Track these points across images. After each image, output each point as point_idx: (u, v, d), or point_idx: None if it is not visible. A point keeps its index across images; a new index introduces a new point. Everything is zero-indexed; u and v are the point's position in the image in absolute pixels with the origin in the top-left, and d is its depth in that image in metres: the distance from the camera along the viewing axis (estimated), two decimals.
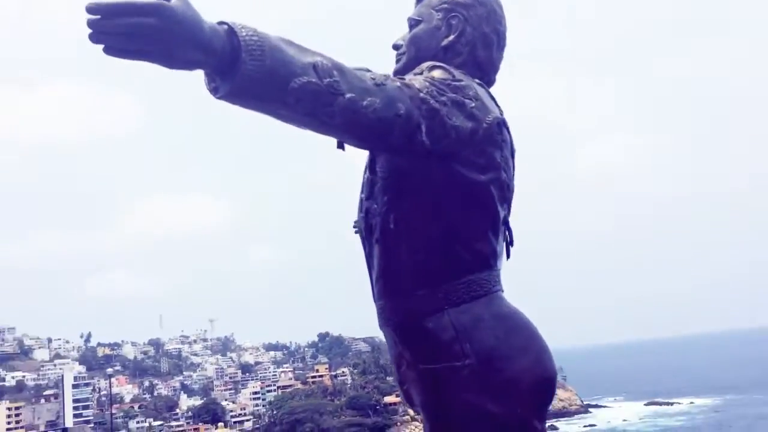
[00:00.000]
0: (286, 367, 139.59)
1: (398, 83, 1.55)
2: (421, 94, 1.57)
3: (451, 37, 1.94)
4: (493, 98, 1.89)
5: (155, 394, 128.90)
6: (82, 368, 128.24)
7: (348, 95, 1.38)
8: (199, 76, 1.39)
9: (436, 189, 1.73)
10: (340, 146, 1.66)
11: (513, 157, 1.93)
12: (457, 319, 1.75)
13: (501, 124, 1.80)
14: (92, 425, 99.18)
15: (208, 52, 1.26)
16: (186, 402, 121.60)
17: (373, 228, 1.84)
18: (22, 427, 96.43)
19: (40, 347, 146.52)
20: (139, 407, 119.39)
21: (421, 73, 1.69)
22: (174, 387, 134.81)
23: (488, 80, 2.01)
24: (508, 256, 1.98)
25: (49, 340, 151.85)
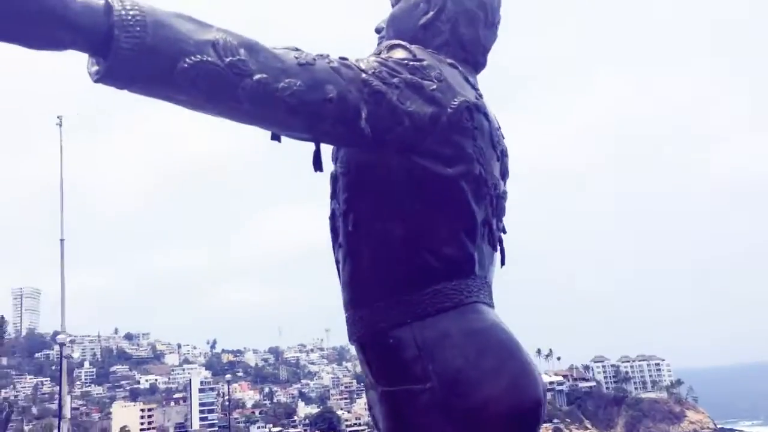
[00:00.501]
0: None
1: (335, 63, 1.35)
2: (364, 75, 1.38)
3: (430, 14, 1.73)
4: (468, 81, 1.66)
5: (275, 400, 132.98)
6: (208, 373, 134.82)
7: (257, 76, 1.21)
8: None
9: (395, 185, 1.52)
10: (275, 137, 1.36)
11: (497, 149, 1.68)
12: (420, 334, 1.51)
13: (472, 109, 1.56)
14: (216, 428, 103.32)
15: (76, 29, 1.08)
16: (303, 409, 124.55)
17: (337, 231, 1.67)
18: (153, 428, 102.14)
19: (170, 352, 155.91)
20: (260, 413, 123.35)
21: (379, 54, 1.48)
22: (292, 394, 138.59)
23: (474, 61, 1.79)
24: (502, 263, 1.77)
25: (179, 346, 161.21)
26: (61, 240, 30.30)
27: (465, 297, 1.57)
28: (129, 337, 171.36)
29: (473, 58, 1.78)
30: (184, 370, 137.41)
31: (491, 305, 1.66)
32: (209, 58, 1.16)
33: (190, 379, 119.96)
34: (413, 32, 1.75)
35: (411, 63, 1.50)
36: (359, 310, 1.61)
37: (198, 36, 1.17)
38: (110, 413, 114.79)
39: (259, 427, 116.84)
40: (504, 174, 1.76)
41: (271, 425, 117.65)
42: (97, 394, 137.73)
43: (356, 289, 1.63)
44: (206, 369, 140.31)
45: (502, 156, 1.74)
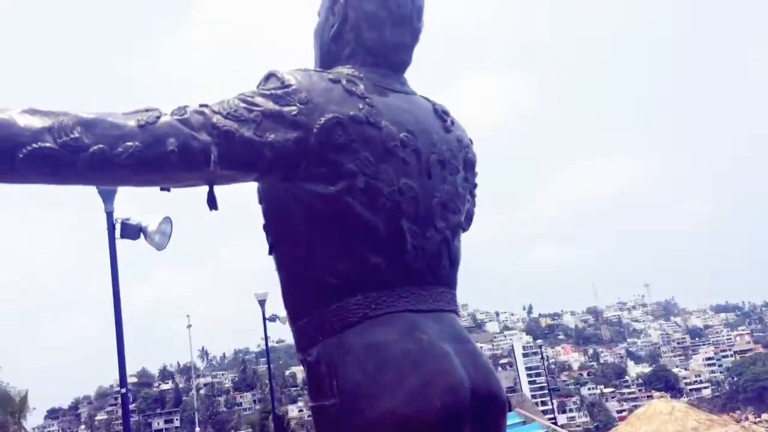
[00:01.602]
0: (742, 330, 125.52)
1: (186, 115, 1.43)
2: (215, 118, 1.44)
3: (336, 26, 1.76)
4: (354, 93, 1.61)
5: (601, 361, 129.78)
6: (528, 338, 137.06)
7: (93, 148, 1.32)
8: None
9: (290, 211, 1.60)
10: (163, 188, 1.51)
11: (411, 152, 1.64)
12: (328, 351, 1.55)
13: (345, 123, 1.54)
14: (546, 391, 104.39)
15: None
16: (634, 369, 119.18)
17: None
18: None
19: (490, 320, 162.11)
20: (588, 374, 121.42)
21: (258, 86, 1.59)
22: (619, 354, 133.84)
23: (388, 63, 1.76)
24: (451, 263, 1.72)
25: (497, 314, 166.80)
26: None
27: (371, 310, 1.55)
28: None
29: (385, 60, 1.75)
30: (505, 336, 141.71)
31: (423, 311, 1.60)
32: (44, 144, 1.28)
33: (512, 345, 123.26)
34: (327, 46, 1.79)
35: (275, 92, 1.52)
36: (292, 329, 1.67)
37: (36, 126, 1.29)
38: None
39: (589, 389, 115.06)
40: (447, 170, 1.72)
41: (602, 386, 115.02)
42: None
43: (286, 309, 1.70)
44: (526, 334, 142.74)
45: (442, 154, 1.71)
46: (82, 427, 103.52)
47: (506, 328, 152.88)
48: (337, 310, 1.55)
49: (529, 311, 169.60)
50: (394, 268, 1.59)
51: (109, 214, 8.92)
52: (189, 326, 52.51)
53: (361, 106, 1.59)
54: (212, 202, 1.54)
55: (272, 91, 1.53)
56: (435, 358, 1.51)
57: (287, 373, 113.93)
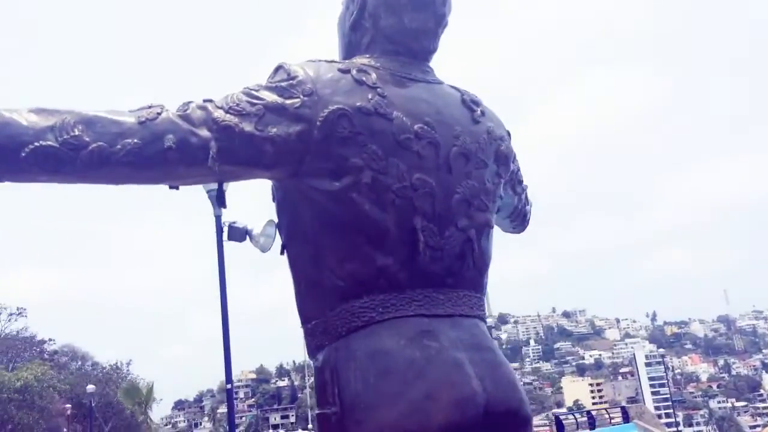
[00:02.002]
0: None
1: (188, 110, 1.42)
2: (216, 113, 1.41)
3: (354, 14, 1.70)
4: (364, 83, 1.54)
5: (733, 373, 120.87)
6: (652, 346, 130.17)
7: (93, 146, 1.33)
8: None
9: (297, 208, 1.53)
10: (172, 186, 1.51)
11: (427, 144, 1.54)
12: (333, 356, 1.47)
13: (350, 115, 1.47)
14: (670, 403, 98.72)
15: None
16: None
17: None
18: (605, 402, 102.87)
19: (609, 327, 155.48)
20: (717, 386, 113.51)
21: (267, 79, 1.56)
22: (753, 366, 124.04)
23: (408, 50, 1.67)
24: (474, 263, 1.58)
25: (617, 321, 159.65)
26: None
27: (378, 314, 1.46)
28: (566, 314, 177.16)
29: (405, 47, 1.66)
30: (626, 344, 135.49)
31: (439, 315, 1.50)
32: (46, 143, 1.30)
33: (634, 353, 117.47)
34: (348, 36, 1.73)
35: (280, 84, 1.48)
36: (303, 331, 1.61)
37: (40, 125, 1.31)
38: (561, 387, 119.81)
39: (719, 402, 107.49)
40: (472, 164, 1.60)
41: (733, 399, 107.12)
42: (546, 369, 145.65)
43: (298, 311, 1.63)
44: (649, 342, 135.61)
45: (465, 146, 1.59)
46: (206, 419, 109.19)
47: (627, 335, 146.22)
48: (343, 313, 1.47)
49: (653, 318, 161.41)
50: (405, 269, 1.49)
51: (218, 218, 9.29)
52: None
53: (370, 97, 1.51)
54: (221, 200, 1.54)
55: (277, 84, 1.48)
56: (443, 367, 1.41)
57: None
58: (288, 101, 1.45)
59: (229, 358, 9.36)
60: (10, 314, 44.60)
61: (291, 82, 1.48)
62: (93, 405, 38.03)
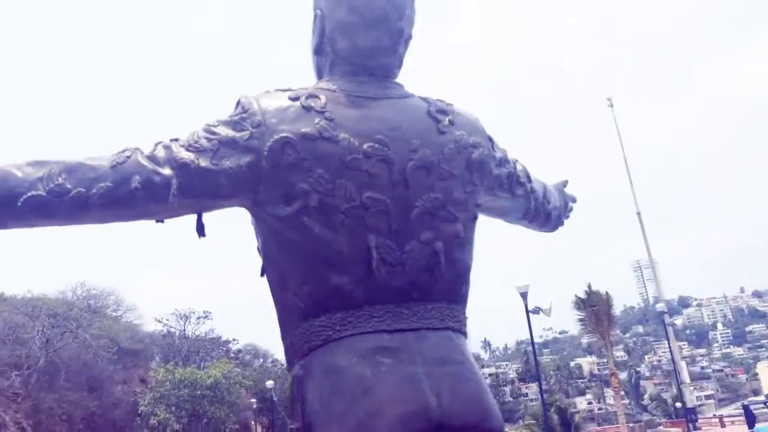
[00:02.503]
0: None
1: (155, 150, 1.53)
2: (174, 152, 1.51)
3: (316, 39, 1.76)
4: (312, 109, 1.57)
5: None
6: None
7: (73, 192, 1.45)
8: None
9: (263, 234, 1.61)
10: (158, 221, 1.61)
11: (377, 161, 1.54)
12: (299, 374, 1.54)
13: (294, 142, 1.52)
14: None
15: None
16: None
17: None
18: None
19: None
20: None
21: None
22: None
23: (366, 69, 1.69)
24: (436, 277, 1.56)
25: None
26: (638, 213, 30.97)
27: (335, 332, 1.50)
28: (758, 294, 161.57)
29: (361, 67, 1.69)
30: None
31: (402, 330, 1.51)
32: (36, 192, 1.43)
33: None
34: (315, 60, 1.79)
35: (234, 118, 1.56)
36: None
37: (32, 176, 1.45)
38: (756, 374, 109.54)
39: None
40: (435, 176, 1.58)
41: None
42: (738, 355, 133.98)
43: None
44: None
45: (425, 159, 1.58)
46: None
47: None
48: (304, 332, 1.53)
49: None
50: (362, 286, 1.51)
51: None
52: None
53: (317, 121, 1.55)
54: (200, 230, 1.60)
55: (232, 118, 1.55)
56: (393, 383, 1.41)
57: (572, 364, 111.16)
58: (238, 134, 1.52)
59: None
60: (198, 318, 49.33)
61: (243, 115, 1.55)
62: (275, 399, 40.87)
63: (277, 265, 1.58)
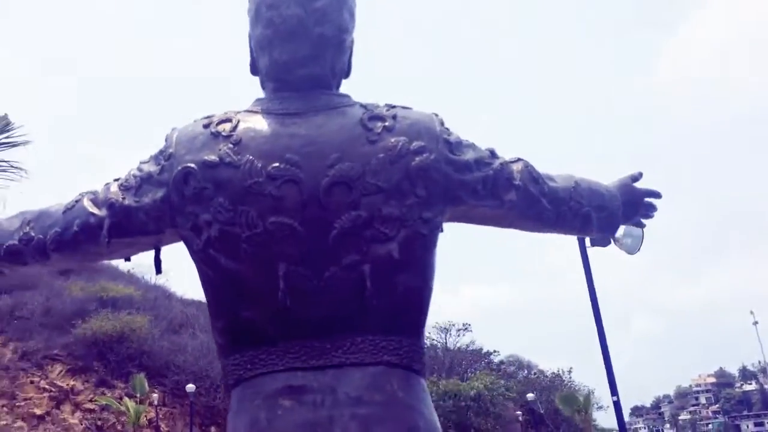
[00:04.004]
0: None
1: (94, 195, 1.57)
2: (109, 193, 1.53)
3: (251, 60, 1.69)
4: (219, 135, 1.47)
5: None
6: None
7: (36, 238, 1.55)
8: None
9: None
10: (126, 259, 1.66)
11: (284, 183, 1.40)
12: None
13: (193, 172, 1.44)
14: None
15: None
16: None
17: None
18: None
19: None
20: None
21: None
22: None
23: (286, 83, 1.57)
24: (381, 306, 1.40)
25: None
26: None
27: (246, 371, 1.41)
28: None
29: (282, 82, 1.57)
30: None
31: (320, 367, 1.37)
32: (12, 242, 1.56)
33: None
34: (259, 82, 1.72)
35: (156, 152, 1.54)
36: None
37: (12, 228, 1.58)
38: None
39: None
40: (359, 191, 1.40)
41: None
42: None
43: None
44: None
45: (344, 174, 1.41)
46: (667, 426, 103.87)
47: None
48: (223, 370, 1.47)
49: None
50: (276, 321, 1.39)
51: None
52: (755, 323, 47.40)
53: (221, 147, 1.45)
54: (157, 266, 1.60)
55: (156, 152, 1.54)
56: (285, 428, 1.32)
57: None
58: (153, 168, 1.50)
59: (609, 366, 8.69)
60: (458, 330, 50.07)
61: (161, 148, 1.52)
62: (541, 412, 39.65)
63: (207, 300, 1.52)
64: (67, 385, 23.60)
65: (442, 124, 1.52)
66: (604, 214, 1.69)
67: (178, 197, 1.45)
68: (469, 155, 1.51)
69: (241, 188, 1.40)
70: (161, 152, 1.52)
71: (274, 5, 1.55)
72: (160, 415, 23.66)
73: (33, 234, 1.56)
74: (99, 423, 23.02)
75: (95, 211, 1.52)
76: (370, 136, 1.44)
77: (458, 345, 50.68)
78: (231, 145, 1.45)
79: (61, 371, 23.90)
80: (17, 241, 1.56)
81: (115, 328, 24.47)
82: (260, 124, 1.49)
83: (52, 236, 1.54)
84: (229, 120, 1.50)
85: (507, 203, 1.54)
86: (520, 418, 44.84)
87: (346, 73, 1.64)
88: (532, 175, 1.58)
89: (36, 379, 23.38)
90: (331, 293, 1.38)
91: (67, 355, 24.42)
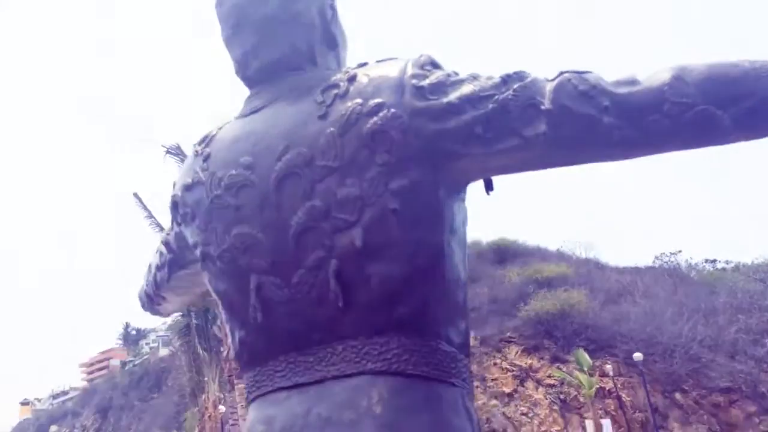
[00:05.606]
0: None
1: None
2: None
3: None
4: (201, 155, 1.39)
5: None
6: None
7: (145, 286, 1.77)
8: None
9: None
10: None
11: (239, 189, 1.28)
12: None
13: (177, 198, 1.42)
14: None
15: None
16: None
17: None
18: None
19: None
20: None
21: None
22: None
23: (249, 79, 1.42)
24: (339, 309, 1.17)
25: None
26: None
27: (251, 393, 1.30)
28: None
29: (246, 80, 1.43)
30: None
31: (303, 384, 1.21)
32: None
33: None
34: None
35: None
36: None
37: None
38: None
39: None
40: (311, 178, 1.21)
41: None
42: None
43: None
44: None
45: (291, 166, 1.23)
46: None
47: None
48: (246, 384, 1.42)
49: None
50: (261, 337, 1.27)
51: None
52: None
53: (197, 168, 1.38)
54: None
55: None
56: None
57: None
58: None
59: None
60: None
61: None
62: None
63: None
64: (525, 363, 25.38)
65: (420, 66, 1.21)
66: (748, 103, 1.06)
67: (177, 225, 1.49)
68: (453, 94, 1.17)
69: (208, 205, 1.32)
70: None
71: (219, 2, 1.44)
72: (618, 385, 23.56)
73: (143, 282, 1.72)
74: (561, 396, 24.10)
75: (163, 250, 1.62)
76: (319, 111, 1.24)
77: None
78: (202, 162, 1.37)
79: (517, 351, 25.85)
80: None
81: (555, 306, 25.40)
82: (228, 132, 1.37)
83: (149, 284, 1.69)
84: (206, 137, 1.43)
85: (532, 139, 1.14)
86: None
87: (332, 43, 1.42)
88: (578, 89, 1.14)
89: (498, 361, 25.77)
90: (301, 300, 1.21)
91: (518, 336, 26.31)
